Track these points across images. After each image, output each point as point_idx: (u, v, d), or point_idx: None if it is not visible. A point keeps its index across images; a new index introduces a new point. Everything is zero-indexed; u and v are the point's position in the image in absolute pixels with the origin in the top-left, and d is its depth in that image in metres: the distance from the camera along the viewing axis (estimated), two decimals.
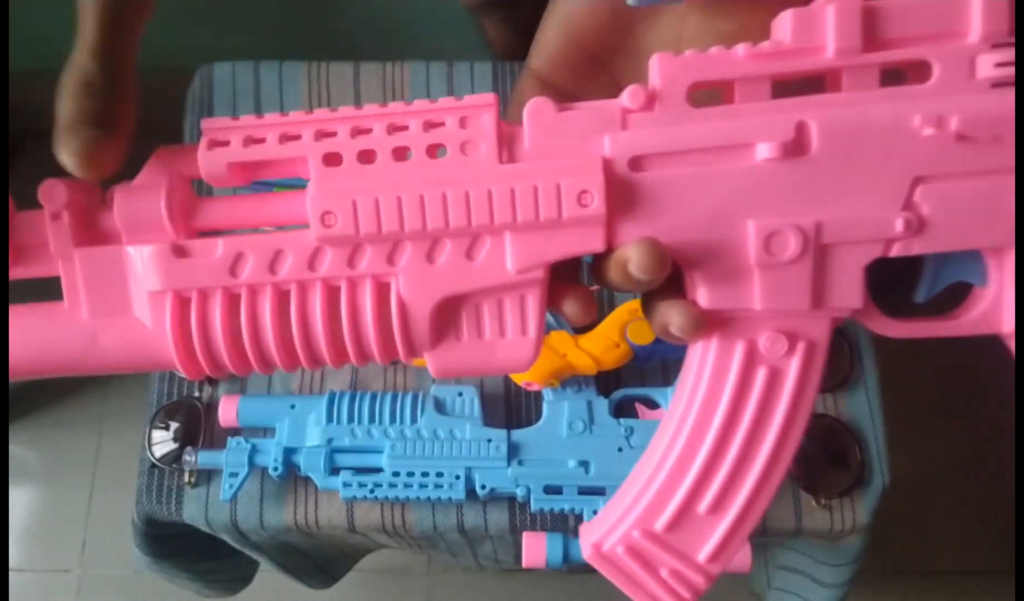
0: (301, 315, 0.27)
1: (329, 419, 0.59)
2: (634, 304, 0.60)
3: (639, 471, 0.30)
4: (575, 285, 0.28)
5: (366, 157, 0.26)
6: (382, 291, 0.27)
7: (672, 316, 0.27)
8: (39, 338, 0.28)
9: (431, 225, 0.26)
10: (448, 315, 0.27)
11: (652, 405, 0.61)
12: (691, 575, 0.29)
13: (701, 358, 0.28)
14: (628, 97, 0.26)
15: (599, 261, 0.27)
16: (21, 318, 0.28)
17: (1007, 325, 0.28)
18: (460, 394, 0.61)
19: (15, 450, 1.35)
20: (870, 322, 0.28)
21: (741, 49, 0.26)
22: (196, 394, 0.65)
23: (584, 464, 0.58)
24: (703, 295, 0.27)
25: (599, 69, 0.31)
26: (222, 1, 1.26)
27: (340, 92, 0.73)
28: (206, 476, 0.62)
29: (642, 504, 0.29)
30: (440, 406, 0.60)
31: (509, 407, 0.63)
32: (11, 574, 1.27)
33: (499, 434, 0.59)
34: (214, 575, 0.77)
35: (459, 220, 0.26)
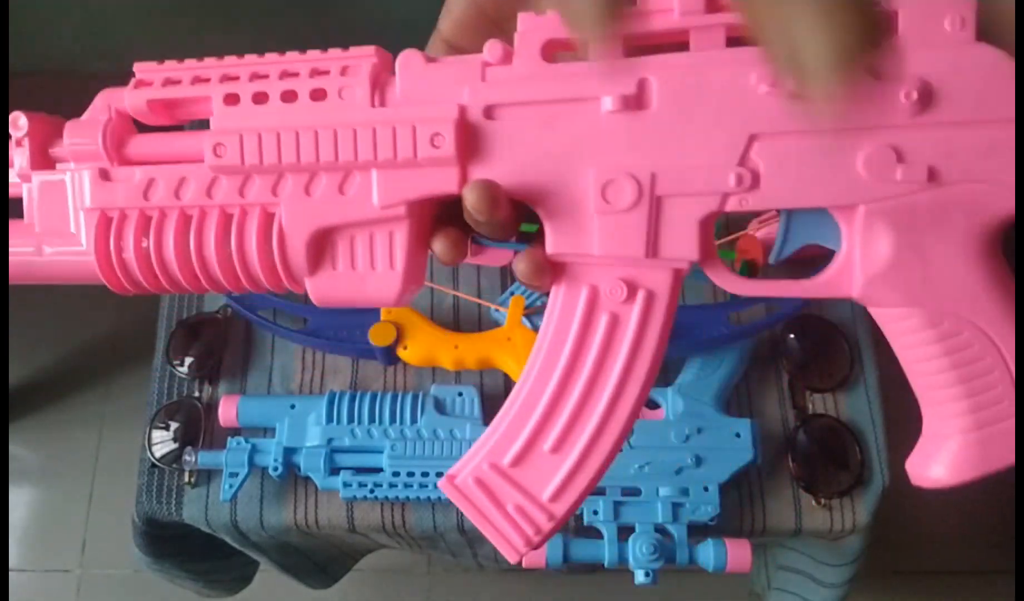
0: (199, 238, 0.30)
1: (329, 419, 0.59)
2: None
3: (502, 411, 0.31)
4: (448, 226, 0.30)
5: (259, 98, 0.29)
6: (268, 220, 0.29)
7: (516, 263, 0.29)
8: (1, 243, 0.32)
9: (304, 159, 0.29)
10: (325, 245, 0.30)
11: (652, 405, 0.61)
12: (535, 513, 0.30)
13: (551, 302, 0.30)
14: (487, 51, 0.28)
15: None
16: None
17: (856, 288, 0.28)
18: (460, 394, 0.61)
19: (15, 450, 1.35)
20: (718, 278, 0.30)
21: None
22: (196, 394, 0.65)
23: None
24: (549, 240, 0.29)
25: (499, 32, 0.33)
26: (223, 1, 1.27)
27: None
28: (206, 476, 0.62)
29: (493, 439, 0.30)
30: (440, 406, 0.60)
31: None
32: (11, 574, 1.27)
33: None
34: (214, 575, 0.77)
35: (327, 156, 0.28)
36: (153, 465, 0.62)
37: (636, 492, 0.57)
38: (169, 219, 0.30)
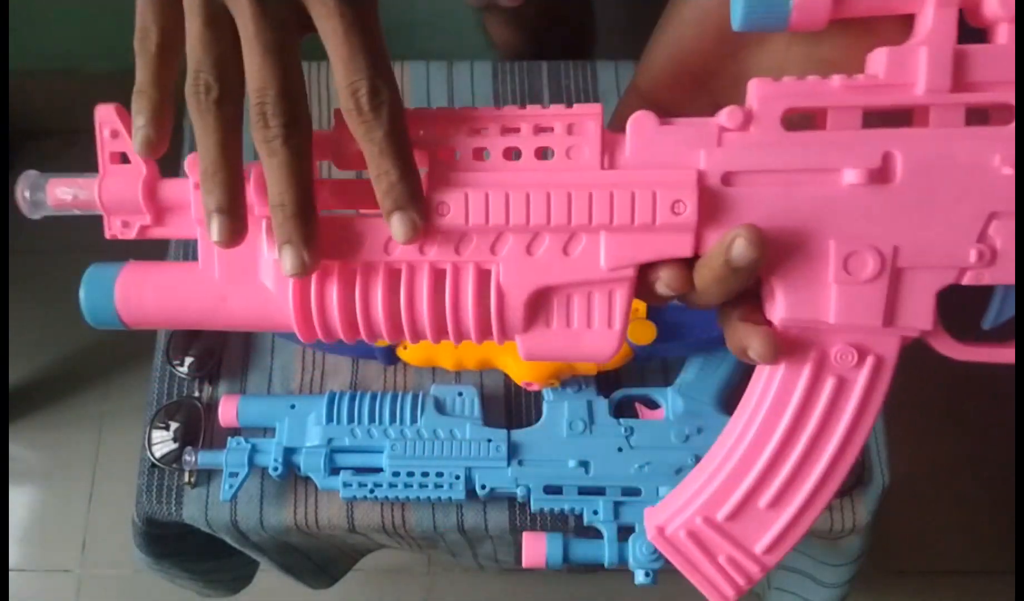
0: (409, 294, 0.29)
1: (329, 419, 0.59)
2: (635, 304, 0.60)
3: (707, 462, 0.32)
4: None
5: (479, 155, 0.29)
6: (483, 277, 0.29)
7: (752, 341, 0.29)
8: (177, 293, 0.31)
9: (534, 221, 0.28)
10: (541, 303, 0.29)
11: (652, 405, 0.61)
12: (747, 564, 0.31)
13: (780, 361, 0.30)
14: (726, 116, 0.28)
15: (683, 265, 0.29)
16: (161, 274, 0.32)
17: None
18: (460, 394, 0.61)
19: (15, 450, 1.35)
20: (937, 343, 0.30)
21: (836, 79, 0.27)
22: (196, 394, 0.65)
23: (584, 464, 0.58)
24: (781, 304, 0.29)
25: (701, 90, 0.33)
26: None
27: None
28: (206, 476, 0.62)
29: (706, 494, 0.31)
30: (440, 406, 0.60)
31: (509, 407, 0.63)
32: (11, 574, 1.27)
33: (499, 434, 0.59)
34: (214, 575, 0.77)
35: (560, 218, 0.28)
36: (153, 465, 0.62)
37: (636, 492, 0.57)
38: (375, 274, 0.29)
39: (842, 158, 0.27)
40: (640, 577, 0.55)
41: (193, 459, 0.59)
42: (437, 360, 0.60)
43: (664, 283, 0.28)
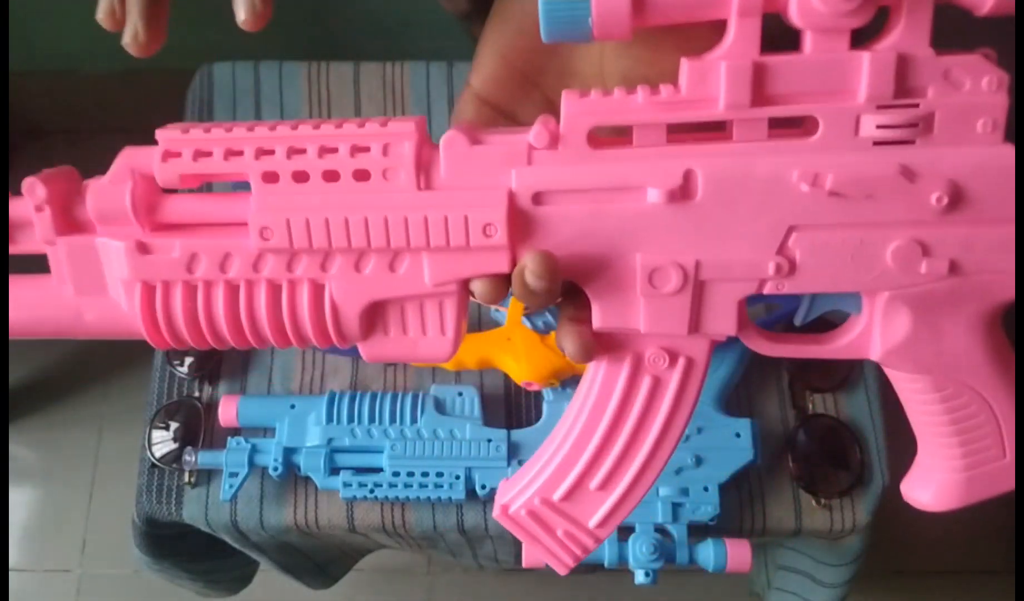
0: (248, 308, 0.30)
1: (329, 419, 0.59)
2: None
3: (544, 448, 0.35)
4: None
5: (300, 177, 0.29)
6: (318, 292, 0.30)
7: (566, 342, 0.31)
8: (35, 307, 0.32)
9: (355, 243, 0.29)
10: (376, 313, 0.31)
11: None
12: (582, 537, 0.34)
13: (597, 362, 0.32)
14: (534, 135, 0.28)
15: (498, 279, 0.30)
16: (21, 288, 0.32)
17: (874, 354, 0.31)
18: (460, 394, 0.61)
19: (15, 450, 1.35)
20: (748, 341, 0.32)
21: (640, 95, 0.28)
22: (196, 394, 0.65)
23: None
24: (596, 312, 0.30)
25: (531, 87, 0.34)
26: (222, 1, 1.26)
27: (340, 92, 0.73)
28: (206, 476, 0.62)
29: (543, 477, 0.33)
30: (440, 406, 0.60)
31: (509, 407, 0.63)
32: (11, 574, 1.27)
33: (499, 434, 0.59)
34: (214, 575, 0.77)
35: (379, 241, 0.29)
36: (153, 465, 0.62)
37: None
38: (216, 289, 0.30)
39: (645, 177, 0.28)
40: (640, 577, 0.55)
41: (193, 459, 0.59)
42: None
43: (480, 295, 0.30)
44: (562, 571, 0.35)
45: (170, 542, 0.66)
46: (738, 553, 0.55)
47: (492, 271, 0.29)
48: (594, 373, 0.32)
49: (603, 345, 0.31)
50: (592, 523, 0.34)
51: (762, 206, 0.28)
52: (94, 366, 1.39)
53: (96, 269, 0.31)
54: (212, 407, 0.63)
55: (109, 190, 0.30)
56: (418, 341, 0.31)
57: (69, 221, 0.31)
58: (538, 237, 0.29)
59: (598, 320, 0.30)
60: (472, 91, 0.34)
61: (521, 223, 0.29)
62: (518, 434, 0.59)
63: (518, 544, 0.59)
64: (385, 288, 0.30)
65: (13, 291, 0.32)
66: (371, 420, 0.60)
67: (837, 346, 0.32)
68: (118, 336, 0.32)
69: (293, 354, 0.66)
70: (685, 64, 0.27)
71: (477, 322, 0.66)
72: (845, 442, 0.61)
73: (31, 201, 0.30)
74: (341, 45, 1.30)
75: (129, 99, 1.27)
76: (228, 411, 0.61)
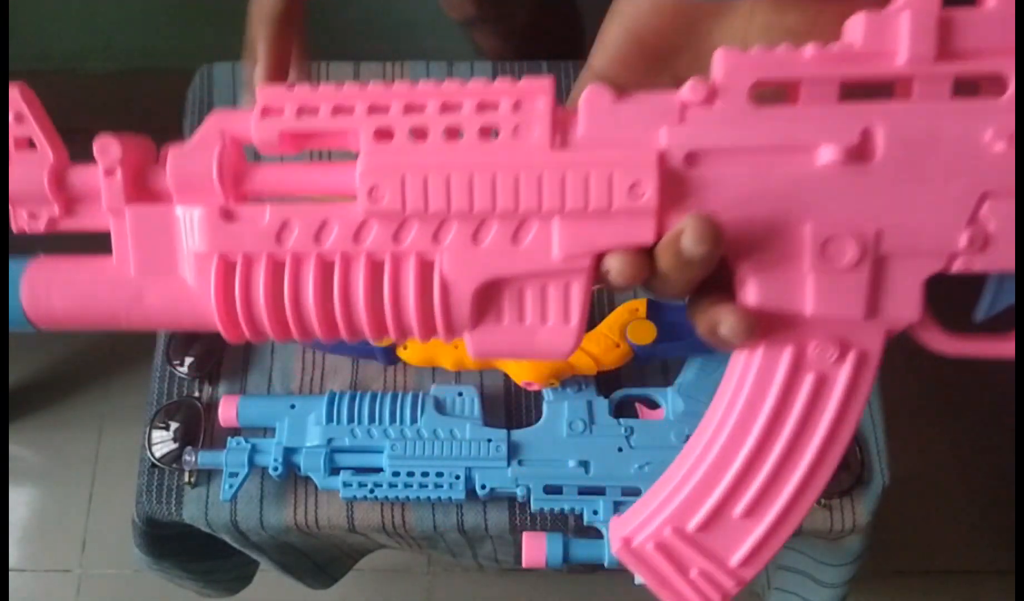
0: (344, 287, 0.27)
1: (329, 419, 0.59)
2: (634, 304, 0.60)
3: (675, 468, 0.30)
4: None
5: (418, 134, 0.26)
6: (425, 269, 0.26)
7: (723, 316, 0.26)
8: (86, 290, 0.29)
9: (478, 206, 0.26)
10: (490, 297, 0.27)
11: (652, 405, 0.61)
12: (721, 578, 0.28)
13: (747, 359, 0.27)
14: (688, 90, 0.25)
15: (638, 254, 0.26)
16: (70, 269, 0.29)
17: None
18: (460, 394, 0.61)
19: (15, 450, 1.35)
20: (926, 337, 0.28)
21: (809, 49, 0.25)
22: (196, 394, 0.65)
23: (584, 464, 0.58)
24: (752, 292, 0.26)
25: (661, 68, 0.31)
26: (222, 1, 1.26)
27: None
28: (206, 476, 0.62)
29: (675, 502, 0.29)
30: (440, 406, 0.60)
31: (509, 407, 0.63)
32: (11, 574, 1.27)
33: (499, 434, 0.59)
34: (214, 575, 0.77)
35: (507, 203, 0.25)
36: (153, 465, 0.62)
37: (636, 492, 0.57)
38: (306, 266, 0.27)
39: (817, 134, 0.25)
40: (640, 577, 0.55)
41: (193, 459, 0.59)
42: (437, 360, 0.60)
43: (616, 273, 0.26)
44: None
45: (170, 542, 0.66)
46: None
47: (635, 241, 0.26)
48: (742, 374, 0.28)
49: (761, 333, 0.27)
50: (735, 560, 0.28)
51: (952, 169, 0.25)
52: (94, 366, 1.39)
53: (167, 244, 0.27)
54: (212, 407, 0.63)
55: (194, 154, 0.27)
56: (536, 330, 0.27)
57: (141, 189, 0.28)
58: (690, 203, 0.25)
59: (754, 297, 0.26)
60: (593, 72, 0.31)
61: (672, 187, 0.25)
62: (518, 434, 0.59)
63: (518, 544, 0.59)
64: (506, 263, 0.26)
65: (63, 271, 0.29)
66: (371, 420, 0.60)
67: None
68: (182, 324, 0.29)
69: (293, 354, 0.66)
70: (861, 17, 0.25)
71: None
72: None
73: (101, 162, 0.27)
74: (341, 45, 1.30)
75: (129, 99, 1.27)
76: (228, 411, 0.61)
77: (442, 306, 0.27)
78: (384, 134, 0.26)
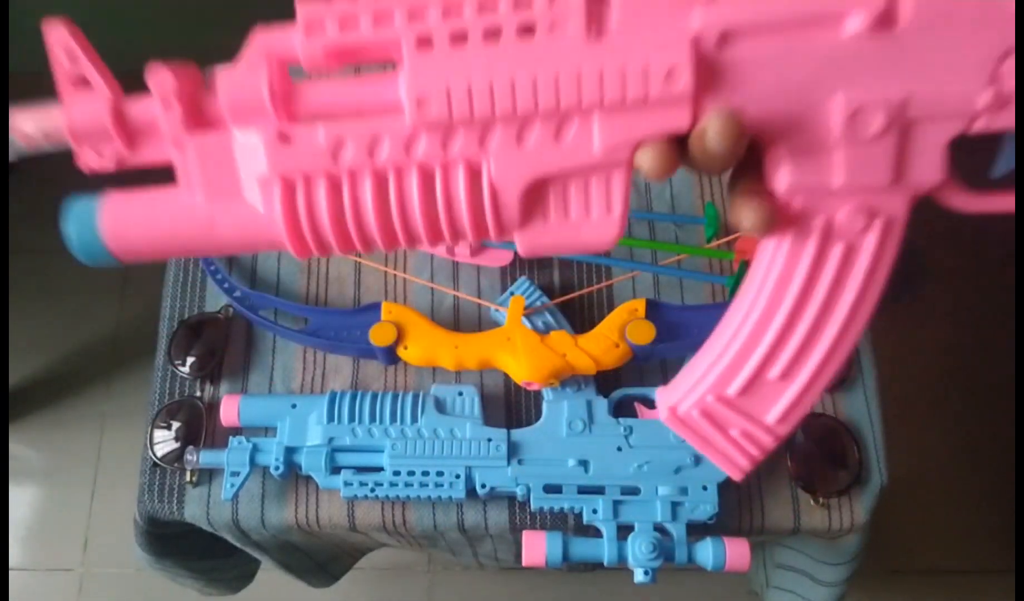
0: (399, 198, 0.28)
1: (330, 418, 0.60)
2: (634, 304, 0.60)
3: (713, 341, 0.31)
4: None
5: (458, 39, 0.26)
6: (475, 174, 0.27)
7: (744, 212, 0.27)
8: (163, 221, 0.29)
9: (521, 108, 0.26)
10: (537, 196, 0.28)
11: (651, 405, 0.61)
12: (760, 435, 0.31)
13: (779, 237, 0.28)
14: None
15: (667, 147, 0.27)
16: (144, 202, 0.29)
17: None
18: (460, 394, 0.61)
19: (16, 449, 1.36)
20: (949, 197, 0.28)
21: None
22: (198, 394, 0.65)
23: (584, 463, 0.58)
24: (785, 172, 0.27)
25: None
26: (222, 2, 1.27)
27: None
28: (207, 475, 0.62)
29: (716, 371, 0.30)
30: (440, 405, 0.60)
31: (509, 407, 0.64)
32: (12, 573, 1.27)
33: (499, 433, 0.59)
34: (215, 574, 0.77)
35: (548, 102, 0.26)
36: (155, 464, 0.62)
37: (635, 491, 0.57)
38: (362, 181, 0.28)
39: (844, 3, 0.25)
40: (639, 576, 0.55)
41: (195, 458, 0.60)
42: (437, 360, 0.61)
43: (649, 165, 0.27)
44: (738, 476, 0.31)
45: (172, 541, 0.67)
46: (737, 552, 0.55)
47: (671, 128, 0.26)
48: (776, 247, 0.29)
49: (788, 217, 0.28)
50: (771, 418, 0.30)
51: (976, 28, 0.25)
52: (96, 365, 1.40)
53: (230, 170, 0.28)
54: (214, 406, 0.63)
55: (244, 78, 0.27)
56: (582, 224, 0.28)
57: (198, 118, 0.28)
58: (726, 86, 0.26)
59: (788, 177, 0.27)
60: None
61: (706, 70, 0.26)
62: (518, 433, 0.59)
63: (518, 543, 0.59)
64: (550, 161, 0.27)
65: (137, 204, 0.29)
66: (372, 419, 0.60)
67: None
68: (256, 247, 0.29)
69: (294, 354, 0.66)
70: None
71: (477, 322, 0.67)
72: (843, 441, 0.61)
73: (158, 95, 0.27)
74: None
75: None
76: (229, 410, 0.61)
77: (492, 209, 0.28)
78: (424, 42, 0.26)
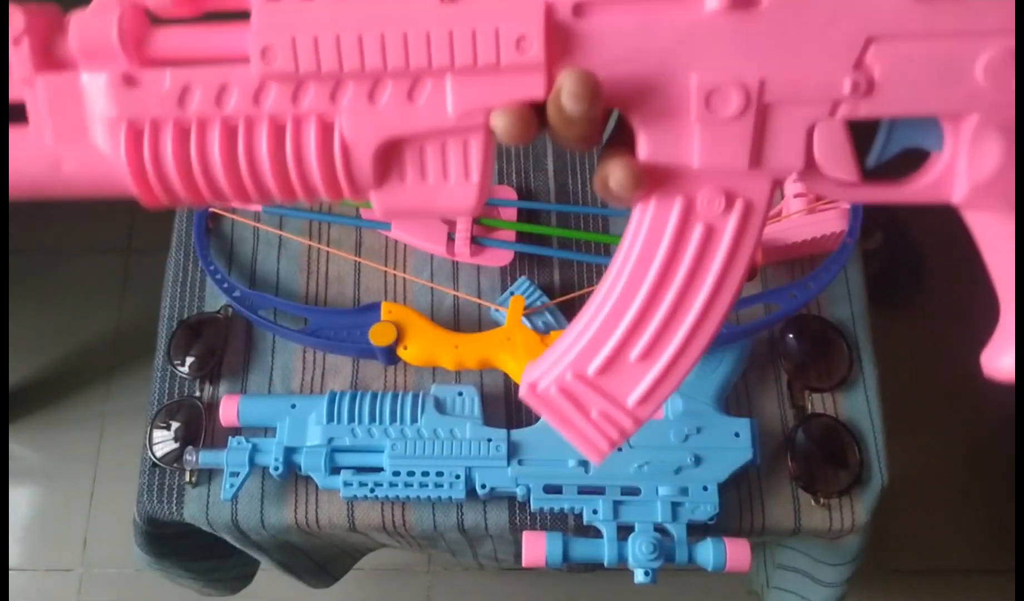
0: (248, 150, 0.27)
1: (330, 418, 0.60)
2: None
3: (578, 319, 0.31)
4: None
5: None
6: (326, 130, 0.27)
7: (613, 170, 0.26)
8: (11, 160, 0.28)
9: (370, 65, 0.26)
10: (392, 156, 0.27)
11: None
12: (619, 417, 0.30)
13: (641, 212, 0.28)
14: None
15: (524, 112, 0.26)
16: None
17: (957, 195, 0.27)
18: (460, 394, 0.61)
19: (16, 450, 1.35)
20: (815, 184, 0.28)
21: None
22: (197, 394, 0.65)
23: (584, 463, 0.58)
24: (643, 146, 0.27)
25: None
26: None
27: None
28: (207, 475, 0.62)
29: (577, 349, 0.30)
30: (440, 406, 0.60)
31: (509, 407, 0.63)
32: (12, 573, 1.27)
33: (499, 434, 0.59)
34: (215, 574, 0.77)
35: (397, 61, 0.25)
36: (154, 464, 0.62)
37: (636, 491, 0.57)
38: (211, 130, 0.27)
39: None
40: (639, 576, 0.55)
41: (194, 458, 0.60)
42: (437, 360, 0.61)
43: (503, 131, 0.26)
44: (596, 459, 0.31)
45: (171, 541, 0.66)
46: (737, 552, 0.55)
47: (525, 95, 0.26)
48: (636, 227, 0.28)
49: (650, 183, 0.27)
50: (631, 400, 0.30)
51: (837, 12, 0.25)
52: (95, 365, 1.39)
53: (78, 111, 0.27)
54: (213, 407, 0.63)
55: (94, 19, 0.27)
56: (439, 189, 0.27)
57: (50, 58, 0.27)
58: (579, 55, 0.25)
59: (645, 151, 0.27)
60: None
61: (560, 39, 0.25)
62: (518, 434, 0.59)
63: (518, 543, 0.59)
64: (402, 122, 0.26)
65: None
66: (371, 420, 0.60)
67: (916, 188, 0.28)
68: (101, 191, 0.29)
69: (293, 354, 0.66)
70: None
71: (477, 322, 0.66)
72: (844, 441, 0.61)
73: (10, 32, 0.27)
74: None
75: None
76: (229, 411, 0.61)
77: (344, 166, 0.27)
78: None
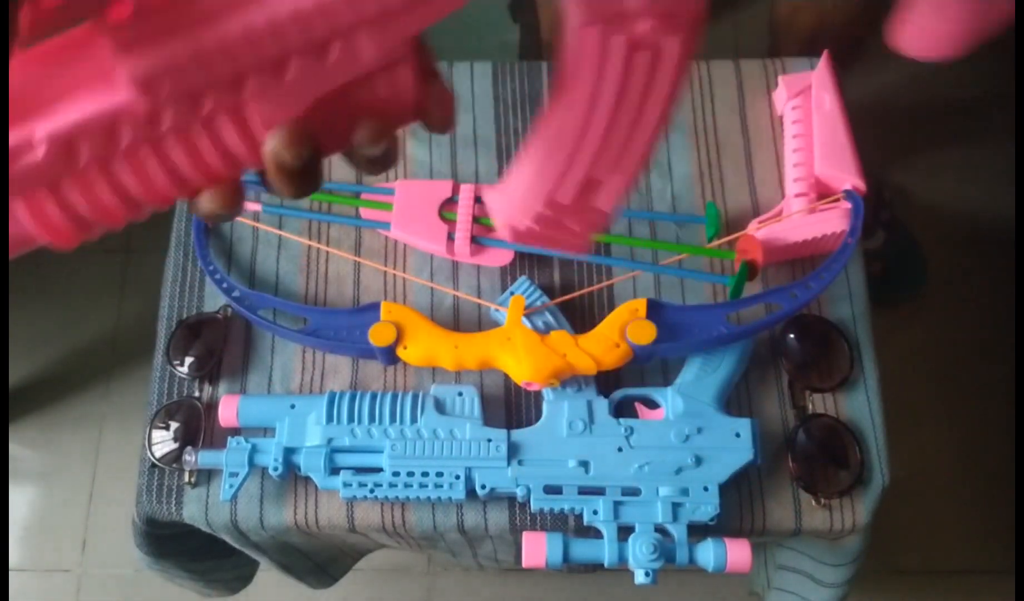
0: (164, 163, 0.25)
1: (329, 419, 0.59)
2: (635, 304, 0.60)
3: (533, 154, 0.33)
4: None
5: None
6: (241, 120, 0.25)
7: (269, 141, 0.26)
8: None
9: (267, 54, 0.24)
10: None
11: (652, 405, 0.61)
12: (595, 217, 0.34)
13: (587, 55, 0.28)
14: None
15: None
16: None
17: None
18: (460, 394, 0.61)
19: (15, 450, 1.35)
20: None
21: None
22: (196, 394, 0.65)
23: (584, 464, 0.58)
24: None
25: None
26: None
27: None
28: (206, 476, 0.62)
29: (547, 183, 0.32)
30: (440, 406, 0.60)
31: (509, 407, 0.63)
32: (11, 573, 1.27)
33: (499, 434, 0.59)
34: (214, 575, 0.77)
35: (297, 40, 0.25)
36: (153, 465, 0.62)
37: (636, 492, 0.57)
38: (116, 164, 0.25)
39: None
40: (640, 577, 0.55)
41: (193, 459, 0.59)
42: (437, 360, 0.60)
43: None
44: (584, 250, 0.36)
45: (170, 542, 0.66)
46: (738, 553, 0.55)
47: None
48: (579, 68, 0.29)
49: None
50: (601, 203, 0.33)
51: None
52: (94, 366, 1.39)
53: None
54: (212, 407, 0.63)
55: None
56: None
57: None
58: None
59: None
60: None
61: None
62: (518, 434, 0.59)
63: (518, 544, 0.59)
64: (320, 84, 0.26)
65: None
66: (371, 420, 0.60)
67: None
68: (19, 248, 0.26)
69: (293, 354, 0.66)
70: None
71: (477, 322, 0.66)
72: (845, 442, 0.61)
73: None
74: None
75: None
76: (228, 411, 0.61)
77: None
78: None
